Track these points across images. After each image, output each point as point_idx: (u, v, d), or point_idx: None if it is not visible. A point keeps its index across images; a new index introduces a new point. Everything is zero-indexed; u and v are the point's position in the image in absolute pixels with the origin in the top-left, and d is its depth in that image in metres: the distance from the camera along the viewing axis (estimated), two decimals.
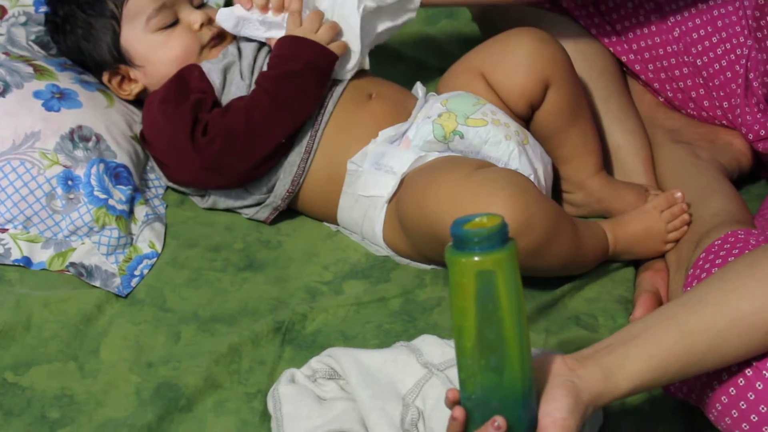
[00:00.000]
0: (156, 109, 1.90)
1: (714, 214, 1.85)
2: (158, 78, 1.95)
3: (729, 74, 2.00)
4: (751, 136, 1.99)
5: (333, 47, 1.89)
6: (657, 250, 1.88)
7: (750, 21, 1.93)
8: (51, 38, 2.04)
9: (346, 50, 1.91)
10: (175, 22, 1.96)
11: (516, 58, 1.88)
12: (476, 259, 1.36)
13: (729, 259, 1.68)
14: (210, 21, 1.97)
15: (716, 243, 1.73)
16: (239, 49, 1.95)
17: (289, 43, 1.89)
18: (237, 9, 1.94)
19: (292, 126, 1.87)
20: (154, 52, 1.95)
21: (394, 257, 1.88)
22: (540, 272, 1.78)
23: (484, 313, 1.37)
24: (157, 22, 1.95)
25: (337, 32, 1.91)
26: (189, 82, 1.91)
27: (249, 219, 1.94)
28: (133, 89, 1.99)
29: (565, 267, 1.82)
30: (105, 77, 1.99)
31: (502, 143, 1.84)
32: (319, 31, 1.90)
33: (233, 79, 1.92)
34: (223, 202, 1.93)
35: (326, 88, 1.90)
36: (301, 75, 1.87)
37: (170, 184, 1.96)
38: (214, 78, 1.91)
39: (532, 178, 1.83)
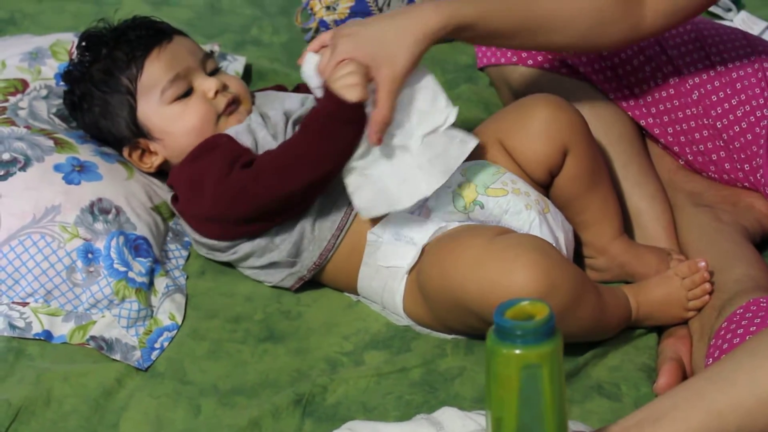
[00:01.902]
0: (186, 168, 1.89)
1: (736, 280, 1.84)
2: (177, 149, 1.94)
3: (750, 136, 1.99)
4: None
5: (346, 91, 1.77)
6: (678, 317, 1.86)
7: None
8: (70, 115, 2.05)
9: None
10: (190, 92, 1.96)
11: (533, 125, 1.88)
12: (522, 352, 1.33)
13: (751, 329, 1.66)
14: (225, 87, 1.97)
15: (738, 312, 1.72)
16: (263, 117, 1.94)
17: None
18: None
19: (306, 176, 1.82)
20: (172, 123, 1.94)
21: (414, 327, 1.86)
22: (564, 338, 1.77)
23: (527, 406, 1.35)
24: (171, 93, 1.94)
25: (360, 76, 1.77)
26: (220, 146, 1.89)
27: (272, 287, 1.93)
28: (154, 162, 1.99)
29: (589, 332, 1.80)
30: (125, 152, 1.99)
31: (522, 213, 1.83)
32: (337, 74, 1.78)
33: (264, 141, 1.89)
34: (252, 254, 1.89)
35: (350, 135, 1.80)
36: (311, 128, 1.82)
37: (201, 239, 1.91)
38: (244, 140, 1.89)
39: None
